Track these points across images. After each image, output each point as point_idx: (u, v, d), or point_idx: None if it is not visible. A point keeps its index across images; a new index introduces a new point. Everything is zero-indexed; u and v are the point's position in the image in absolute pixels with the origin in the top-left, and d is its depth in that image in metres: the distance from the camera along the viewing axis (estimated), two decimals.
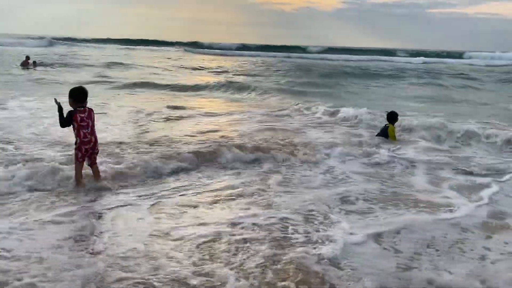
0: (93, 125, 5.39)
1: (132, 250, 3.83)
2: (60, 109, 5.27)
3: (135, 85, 18.44)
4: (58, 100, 5.33)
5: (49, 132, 8.39)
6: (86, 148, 5.33)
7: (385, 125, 9.33)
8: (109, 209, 4.81)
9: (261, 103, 15.09)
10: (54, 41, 56.85)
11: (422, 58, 54.61)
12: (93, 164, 5.52)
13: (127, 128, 9.33)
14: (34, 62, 25.35)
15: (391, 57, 58.11)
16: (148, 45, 69.19)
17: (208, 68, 31.84)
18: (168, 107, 12.52)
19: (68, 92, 5.39)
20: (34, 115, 10.18)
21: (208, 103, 14.57)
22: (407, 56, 62.03)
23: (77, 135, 5.28)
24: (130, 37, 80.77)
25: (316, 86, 21.42)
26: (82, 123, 5.25)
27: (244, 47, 71.00)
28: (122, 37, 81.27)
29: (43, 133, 8.38)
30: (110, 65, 28.27)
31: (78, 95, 5.32)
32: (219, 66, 33.85)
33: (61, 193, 5.19)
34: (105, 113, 10.73)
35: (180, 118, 10.98)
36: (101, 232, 4.23)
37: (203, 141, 7.94)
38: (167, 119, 10.72)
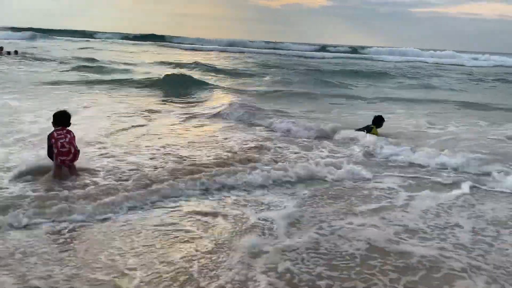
0: (71, 140, 5.62)
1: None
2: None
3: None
4: None
5: None
6: (63, 160, 5.58)
7: (370, 126, 8.92)
8: None
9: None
10: (36, 34, 58.16)
11: (403, 57, 55.70)
12: (70, 168, 5.72)
13: None
14: (9, 52, 26.80)
15: (370, 55, 59.14)
16: (128, 40, 68.61)
17: (167, 63, 28.50)
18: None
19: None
20: None
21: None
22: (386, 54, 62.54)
23: (55, 146, 5.57)
24: (102, 30, 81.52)
25: (285, 84, 20.27)
26: (59, 137, 5.59)
27: (221, 42, 68.81)
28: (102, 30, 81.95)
29: None
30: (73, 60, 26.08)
31: (57, 118, 5.73)
32: (176, 60, 30.75)
33: None
34: None
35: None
36: None
37: None
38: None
